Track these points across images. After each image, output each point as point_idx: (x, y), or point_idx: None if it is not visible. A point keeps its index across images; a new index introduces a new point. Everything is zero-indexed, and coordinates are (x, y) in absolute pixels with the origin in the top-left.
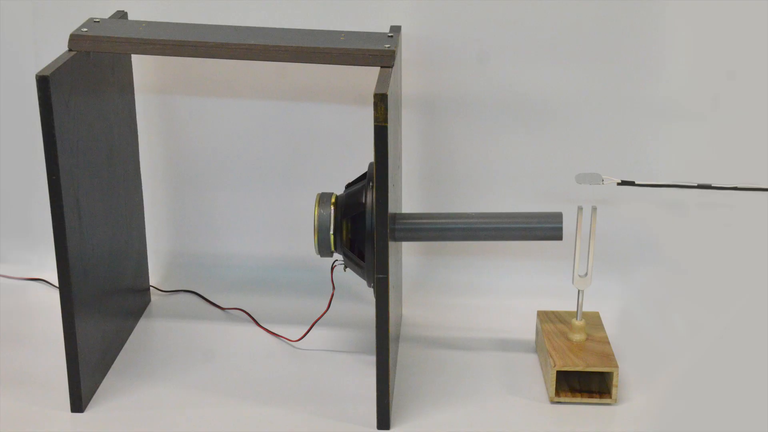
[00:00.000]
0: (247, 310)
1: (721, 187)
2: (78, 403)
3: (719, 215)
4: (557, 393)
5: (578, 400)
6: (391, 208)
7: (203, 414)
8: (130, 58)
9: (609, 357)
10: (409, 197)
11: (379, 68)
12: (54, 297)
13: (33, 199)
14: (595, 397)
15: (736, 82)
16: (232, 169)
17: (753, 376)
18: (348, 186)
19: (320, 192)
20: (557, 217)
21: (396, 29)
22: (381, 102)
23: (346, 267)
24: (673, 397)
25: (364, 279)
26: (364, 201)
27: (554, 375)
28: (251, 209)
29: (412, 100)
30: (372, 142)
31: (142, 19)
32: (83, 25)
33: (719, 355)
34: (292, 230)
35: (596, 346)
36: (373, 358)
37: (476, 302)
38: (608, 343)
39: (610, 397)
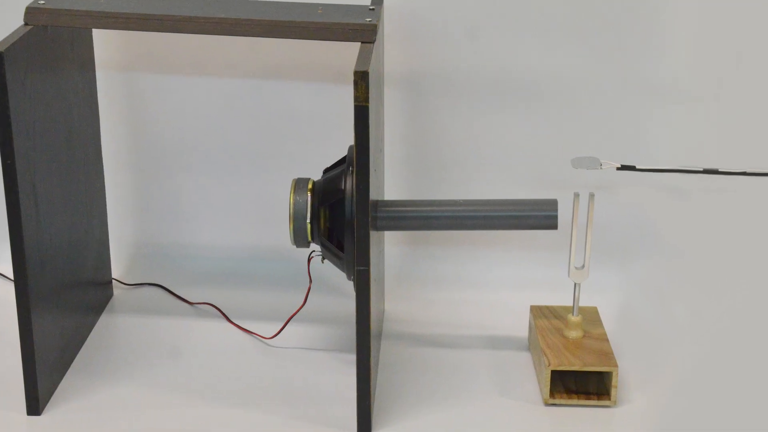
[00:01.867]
0: (217, 305)
1: (728, 172)
2: (35, 406)
3: (726, 202)
4: (552, 394)
5: (574, 401)
6: (373, 195)
7: (169, 416)
8: (91, 32)
9: (608, 355)
10: (392, 183)
11: (359, 44)
12: (9, 291)
13: None
14: (593, 399)
15: (743, 61)
16: (202, 153)
17: (762, 375)
18: (326, 171)
19: (296, 177)
20: (552, 204)
21: (378, 1)
22: (362, 80)
23: (324, 258)
24: (677, 398)
25: (344, 271)
26: (343, 187)
27: (549, 375)
28: (222, 196)
29: (395, 78)
30: (352, 123)
31: None
32: None
33: (726, 352)
34: (265, 219)
35: (594, 344)
36: (352, 357)
37: (464, 296)
38: (607, 340)
39: (609, 399)
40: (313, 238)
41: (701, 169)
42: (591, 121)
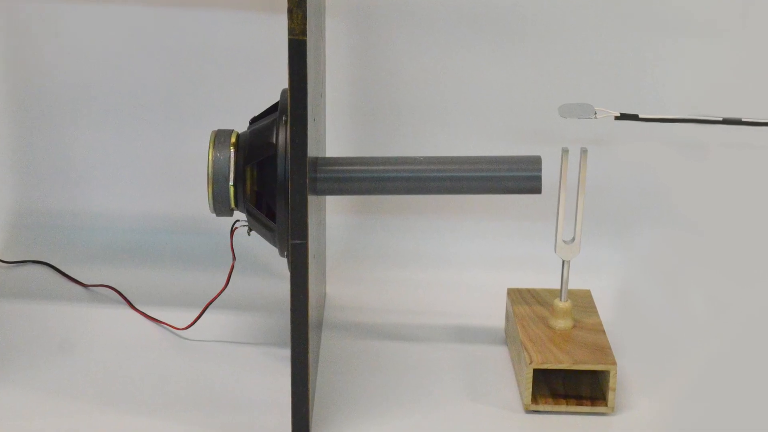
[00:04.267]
0: (118, 288)
1: (753, 122)
2: None
3: (750, 160)
4: (534, 399)
5: (563, 408)
6: (311, 151)
7: (59, 426)
8: None
9: (603, 350)
10: (335, 136)
11: None
12: None
13: None
14: (586, 404)
15: None
16: (99, 99)
17: None
18: (253, 121)
19: (216, 129)
20: (535, 162)
21: None
22: (297, 8)
23: (250, 230)
24: (688, 404)
25: (275, 246)
26: (274, 141)
27: (530, 375)
28: (123, 153)
29: (338, 6)
30: (285, 61)
31: None
32: None
33: (748, 346)
34: (178, 181)
35: (587, 336)
36: (286, 352)
37: (425, 277)
38: (603, 331)
39: (606, 404)
40: (237, 205)
41: (720, 119)
42: (584, 59)
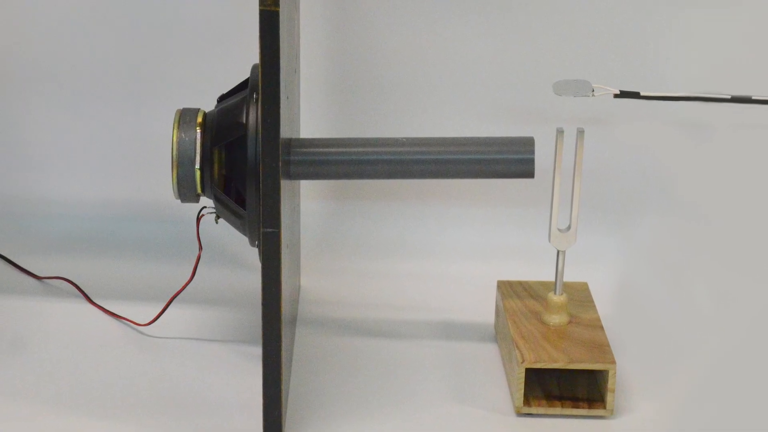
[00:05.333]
0: (75, 281)
1: (764, 100)
2: None
3: (760, 141)
4: (527, 401)
5: (557, 410)
6: (284, 131)
7: (8, 430)
8: None
9: (602, 348)
10: (310, 115)
11: None
12: None
13: None
14: (582, 407)
15: None
16: (53, 75)
17: None
18: (221, 99)
19: (181, 108)
20: (527, 143)
21: None
22: None
23: (218, 217)
24: (692, 406)
25: (245, 234)
26: (244, 121)
27: (522, 375)
28: (80, 133)
29: None
30: (256, 34)
31: None
32: None
33: (753, 341)
34: (139, 164)
35: (584, 333)
36: (258, 350)
37: (409, 268)
38: (601, 327)
39: (604, 407)
40: (203, 190)
41: (728, 97)
42: (581, 31)
